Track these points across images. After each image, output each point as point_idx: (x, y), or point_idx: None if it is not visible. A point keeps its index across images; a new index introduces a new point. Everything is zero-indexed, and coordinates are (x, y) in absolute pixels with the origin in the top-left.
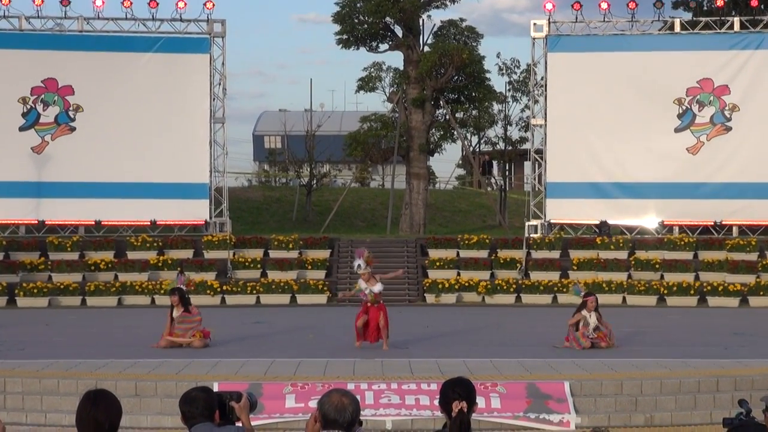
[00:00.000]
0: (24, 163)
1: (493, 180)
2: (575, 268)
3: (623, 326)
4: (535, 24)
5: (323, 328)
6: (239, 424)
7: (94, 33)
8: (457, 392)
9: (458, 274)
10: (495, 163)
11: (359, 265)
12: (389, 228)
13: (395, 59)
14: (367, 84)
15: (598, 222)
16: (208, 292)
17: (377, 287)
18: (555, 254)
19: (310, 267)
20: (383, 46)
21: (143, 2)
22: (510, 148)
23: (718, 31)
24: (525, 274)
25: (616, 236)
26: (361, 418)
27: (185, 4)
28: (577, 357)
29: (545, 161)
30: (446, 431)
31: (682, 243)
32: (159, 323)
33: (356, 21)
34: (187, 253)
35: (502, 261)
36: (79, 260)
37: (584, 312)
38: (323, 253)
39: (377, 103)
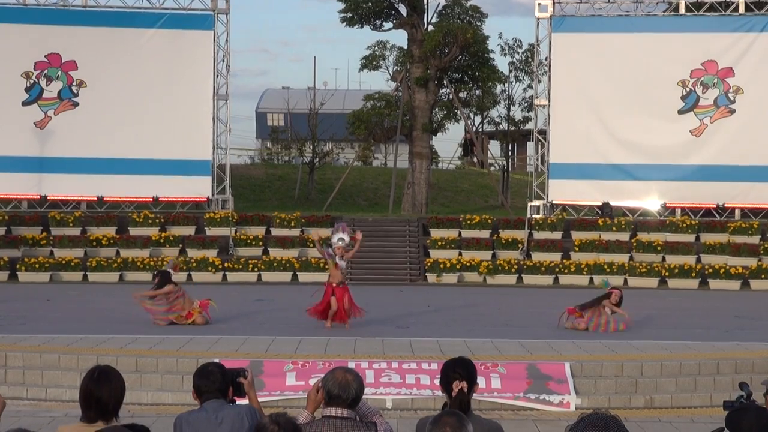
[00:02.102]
0: (27, 137)
1: (476, 159)
2: (577, 249)
3: (624, 308)
4: (539, 4)
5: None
6: (245, 400)
7: (98, 8)
8: (458, 372)
9: (460, 254)
10: (498, 143)
11: (341, 239)
12: (391, 207)
13: (399, 38)
14: (370, 62)
15: (600, 203)
16: (210, 269)
17: (342, 262)
18: (557, 235)
19: (311, 245)
20: (387, 25)
21: None
22: (513, 128)
23: (723, 13)
24: (527, 254)
25: (619, 218)
26: (363, 396)
27: None
28: (577, 338)
29: (548, 142)
30: (446, 411)
31: (684, 225)
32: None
33: None
34: (188, 230)
35: (503, 241)
36: (81, 236)
37: (605, 302)
38: (325, 232)
39: (381, 81)
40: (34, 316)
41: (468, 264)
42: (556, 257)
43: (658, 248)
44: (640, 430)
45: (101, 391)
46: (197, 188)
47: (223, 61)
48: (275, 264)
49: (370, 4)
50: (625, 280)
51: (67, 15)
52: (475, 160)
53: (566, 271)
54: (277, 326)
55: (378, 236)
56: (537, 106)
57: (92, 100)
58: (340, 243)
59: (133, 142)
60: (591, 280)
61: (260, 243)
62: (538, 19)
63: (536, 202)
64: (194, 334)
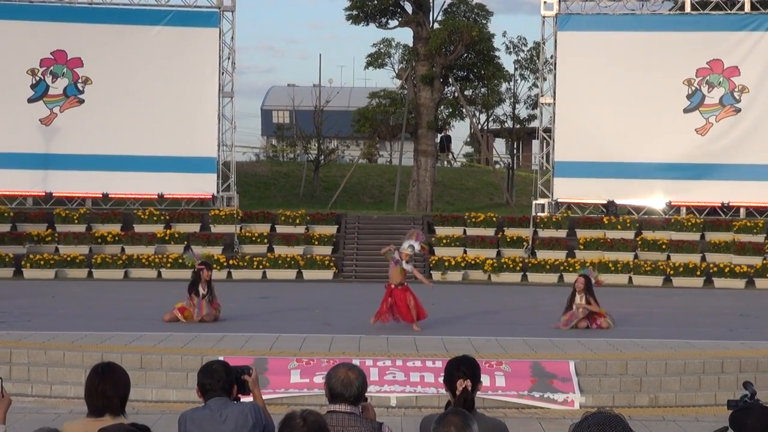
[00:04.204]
0: (32, 134)
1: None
2: (582, 247)
3: (629, 306)
4: (545, 2)
5: (329, 303)
6: (250, 398)
7: (103, 5)
8: (462, 371)
9: (465, 252)
10: (503, 141)
11: (411, 246)
12: (396, 205)
13: (405, 36)
14: (376, 60)
15: (605, 201)
16: (215, 266)
17: (409, 266)
18: (562, 233)
19: (316, 243)
20: (393, 23)
21: None
22: (518, 126)
23: (729, 11)
24: (531, 252)
25: (624, 216)
26: (366, 394)
27: None
28: (582, 336)
29: (553, 140)
30: (451, 409)
31: (689, 224)
32: (165, 296)
33: None
34: (193, 227)
35: (508, 239)
36: (86, 232)
37: (577, 302)
38: (330, 229)
39: (386, 79)
40: (39, 313)
41: (473, 262)
42: (561, 255)
43: (663, 247)
44: (645, 429)
45: (106, 386)
46: (202, 185)
47: (229, 58)
48: (280, 261)
49: (375, 1)
50: (630, 278)
51: (72, 12)
52: (486, 157)
53: (571, 269)
54: (282, 323)
55: (382, 234)
56: (542, 104)
57: (98, 97)
58: (409, 251)
59: (138, 139)
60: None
61: (265, 240)
62: (544, 17)
63: (541, 200)
64: (199, 331)
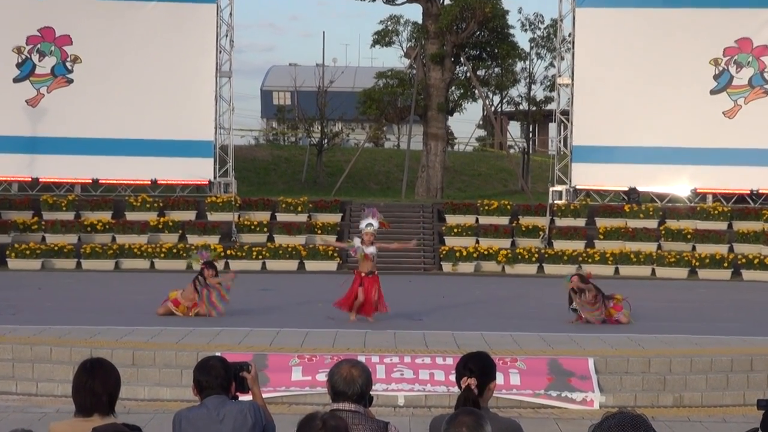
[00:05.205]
0: (18, 116)
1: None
2: (601, 237)
3: (651, 300)
4: None
5: (333, 296)
6: (249, 396)
7: None
8: (469, 368)
9: (477, 242)
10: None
11: (370, 225)
12: (404, 192)
13: (414, 12)
14: (383, 38)
15: (626, 188)
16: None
17: (371, 249)
18: (580, 222)
19: (319, 231)
20: None
21: None
22: (534, 108)
23: None
24: (548, 242)
25: (646, 204)
26: (372, 393)
27: None
28: (602, 332)
29: (571, 123)
30: (464, 409)
31: (716, 212)
32: (158, 289)
33: None
34: (189, 215)
35: (523, 228)
36: (75, 221)
37: (576, 301)
38: (334, 217)
39: (394, 58)
40: (25, 306)
41: (486, 252)
42: (579, 246)
43: (688, 236)
44: (669, 430)
45: (95, 383)
46: (198, 171)
47: (227, 36)
48: (281, 252)
49: None
50: (653, 270)
51: None
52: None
53: (590, 260)
54: (283, 318)
55: (390, 222)
56: (560, 85)
57: (88, 77)
58: (369, 229)
59: (130, 121)
60: (617, 270)
61: (265, 229)
62: None
63: (558, 187)
64: (194, 325)
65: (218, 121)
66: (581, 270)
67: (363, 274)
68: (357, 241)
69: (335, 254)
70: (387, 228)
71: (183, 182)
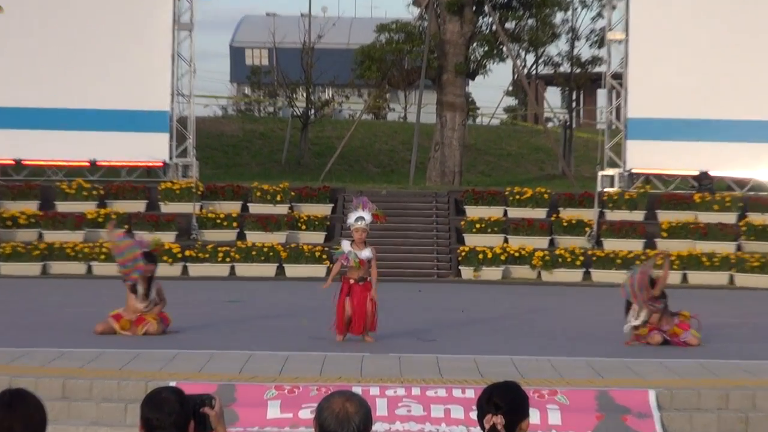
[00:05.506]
0: None
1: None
2: (665, 234)
3: (729, 315)
4: None
5: (321, 310)
6: None
7: None
8: (494, 403)
9: (506, 241)
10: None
11: (361, 218)
12: (413, 177)
13: None
14: None
15: (696, 173)
16: (166, 258)
17: (365, 252)
18: (638, 216)
19: (304, 227)
20: None
21: None
22: (578, 70)
23: None
24: (596, 241)
25: (722, 193)
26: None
27: None
28: (666, 356)
29: (626, 90)
30: None
31: None
32: (97, 299)
33: None
34: (137, 206)
35: (565, 224)
36: None
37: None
38: (322, 209)
39: (399, 7)
40: None
41: (516, 254)
42: (636, 246)
43: None
44: None
45: (13, 421)
46: (150, 149)
47: None
48: (254, 253)
49: None
50: (731, 277)
51: None
52: (534, 113)
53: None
54: (256, 337)
55: (395, 216)
56: (611, 41)
57: (8, 32)
58: (360, 224)
59: (63, 87)
60: (684, 277)
61: (234, 224)
62: None
63: (609, 171)
64: (143, 347)
65: (176, 87)
66: (648, 263)
67: (352, 281)
68: (346, 245)
69: (323, 256)
70: (384, 222)
71: (130, 164)
